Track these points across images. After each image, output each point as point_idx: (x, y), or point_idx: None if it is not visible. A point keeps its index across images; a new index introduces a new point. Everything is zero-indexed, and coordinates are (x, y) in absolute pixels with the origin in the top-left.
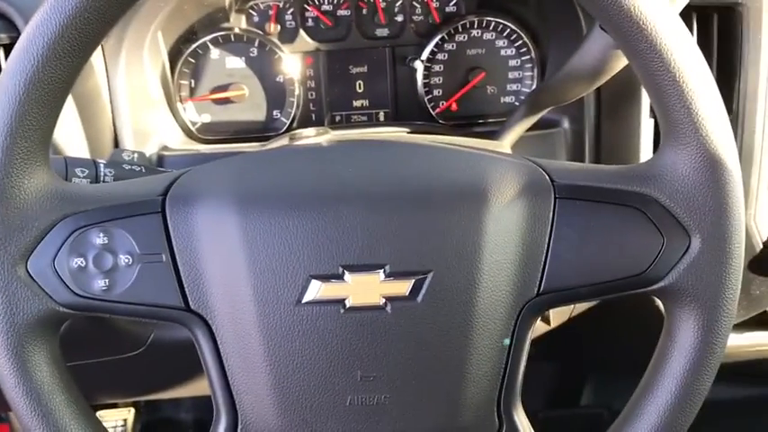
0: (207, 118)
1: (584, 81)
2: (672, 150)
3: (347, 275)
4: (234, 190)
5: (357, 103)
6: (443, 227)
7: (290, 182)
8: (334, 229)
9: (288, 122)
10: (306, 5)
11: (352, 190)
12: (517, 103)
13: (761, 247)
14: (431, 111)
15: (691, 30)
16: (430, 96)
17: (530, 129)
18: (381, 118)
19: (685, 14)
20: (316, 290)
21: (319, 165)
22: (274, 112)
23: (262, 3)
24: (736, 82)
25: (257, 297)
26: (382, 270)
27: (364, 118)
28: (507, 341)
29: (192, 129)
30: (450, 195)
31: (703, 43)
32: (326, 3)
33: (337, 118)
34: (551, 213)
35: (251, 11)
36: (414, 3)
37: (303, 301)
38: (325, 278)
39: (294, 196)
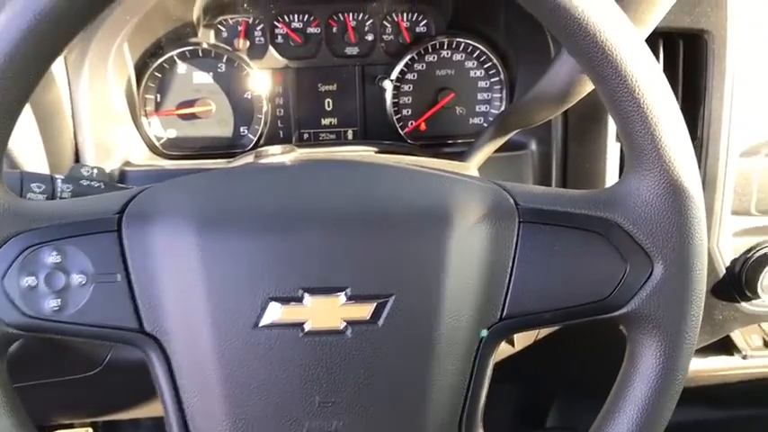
0: (172, 133)
1: (552, 104)
2: (635, 176)
3: (307, 298)
4: (192, 209)
5: (325, 121)
6: (406, 250)
7: (250, 202)
8: (295, 251)
9: (255, 139)
10: (276, 22)
11: (314, 211)
12: (485, 125)
13: (724, 272)
14: (399, 130)
15: (657, 55)
16: (399, 116)
17: (497, 150)
18: (350, 136)
19: (652, 40)
20: (274, 313)
21: (281, 185)
22: (241, 129)
23: (231, 18)
24: (700, 108)
25: (214, 319)
26: (343, 293)
27: (333, 136)
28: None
29: (157, 144)
30: (413, 218)
31: (669, 69)
32: (296, 20)
33: (305, 136)
34: (515, 237)
35: (220, 26)
36: (384, 22)
37: (261, 324)
38: (284, 301)
39: (254, 217)
